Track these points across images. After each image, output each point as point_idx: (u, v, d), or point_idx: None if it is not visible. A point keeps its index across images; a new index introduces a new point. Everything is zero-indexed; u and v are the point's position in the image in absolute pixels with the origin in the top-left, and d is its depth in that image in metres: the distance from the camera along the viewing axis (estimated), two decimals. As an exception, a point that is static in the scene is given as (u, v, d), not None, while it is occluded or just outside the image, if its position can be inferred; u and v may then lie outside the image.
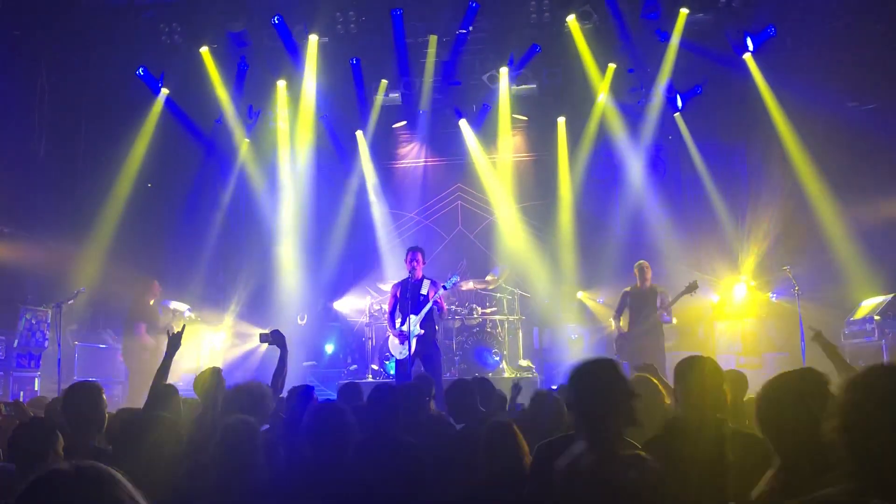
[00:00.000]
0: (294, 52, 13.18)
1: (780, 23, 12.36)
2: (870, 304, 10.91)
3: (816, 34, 12.19)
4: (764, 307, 12.44)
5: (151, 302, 11.90)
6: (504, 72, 13.47)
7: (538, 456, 3.73)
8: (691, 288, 10.68)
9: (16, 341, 11.33)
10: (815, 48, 12.32)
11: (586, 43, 12.88)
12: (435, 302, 9.72)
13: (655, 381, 5.08)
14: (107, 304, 13.02)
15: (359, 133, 14.73)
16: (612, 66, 13.25)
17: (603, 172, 14.31)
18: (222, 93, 13.55)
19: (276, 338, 6.24)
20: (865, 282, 11.64)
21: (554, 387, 6.53)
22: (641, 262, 11.16)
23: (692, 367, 4.09)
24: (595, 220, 14.24)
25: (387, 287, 12.09)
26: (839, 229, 12.17)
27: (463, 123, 14.55)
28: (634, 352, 10.42)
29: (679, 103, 13.40)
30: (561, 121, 14.37)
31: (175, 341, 5.79)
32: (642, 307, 10.88)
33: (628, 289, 11.19)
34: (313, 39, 13.01)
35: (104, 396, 4.75)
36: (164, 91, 13.50)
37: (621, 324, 11.23)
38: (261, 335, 6.52)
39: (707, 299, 12.59)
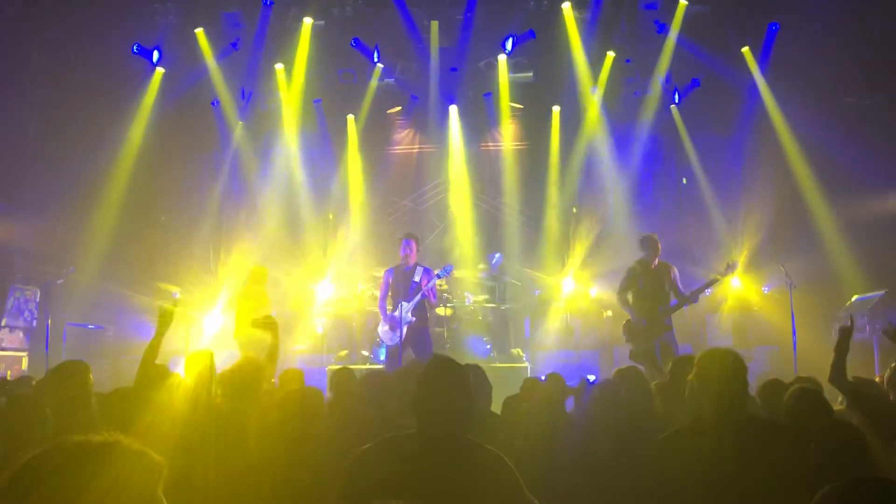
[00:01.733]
0: (288, 34, 13.09)
1: (778, 16, 12.35)
2: (860, 299, 10.93)
3: (814, 28, 12.17)
4: (756, 300, 12.45)
5: (264, 288, 11.80)
6: (502, 59, 13.42)
7: (357, 462, 3.21)
8: (730, 269, 9.63)
9: (3, 320, 11.28)
10: (812, 42, 12.30)
11: (583, 32, 12.85)
12: (424, 294, 9.69)
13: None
14: (97, 285, 12.92)
15: (350, 118, 14.65)
16: (610, 56, 13.20)
17: (597, 162, 14.27)
18: (216, 74, 13.45)
19: (268, 324, 6.16)
20: (857, 277, 11.66)
21: (542, 377, 6.48)
22: (653, 234, 9.78)
23: (716, 361, 3.99)
24: (588, 211, 14.22)
25: (379, 273, 12.06)
26: (832, 224, 12.19)
27: (456, 111, 14.51)
28: (655, 338, 9.23)
29: (676, 96, 13.39)
30: (556, 110, 14.34)
31: (165, 319, 5.66)
32: (655, 286, 9.49)
33: (635, 264, 9.64)
34: (308, 22, 12.90)
35: (91, 376, 4.69)
36: (159, 71, 13.39)
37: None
38: (253, 320, 6.42)
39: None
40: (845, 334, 5.24)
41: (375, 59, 13.48)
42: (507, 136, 14.96)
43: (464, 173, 14.82)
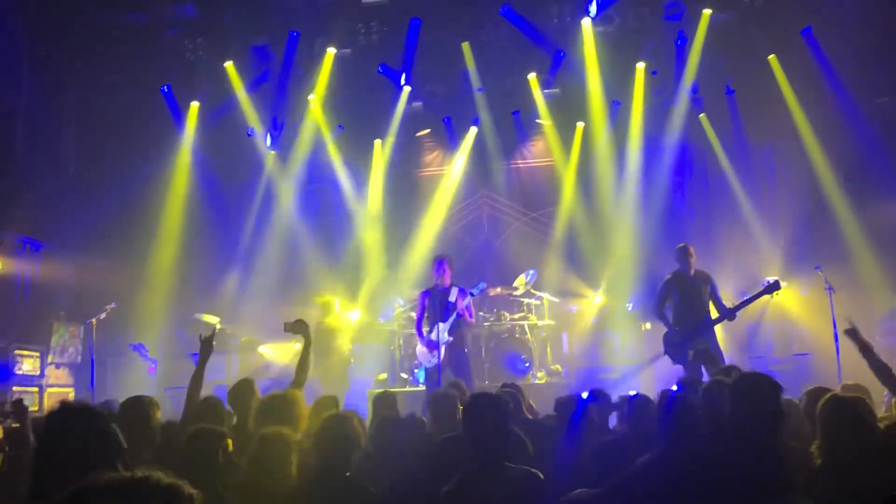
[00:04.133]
0: (316, 64, 13.21)
1: (806, 20, 12.26)
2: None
3: (843, 30, 12.05)
4: (794, 307, 12.29)
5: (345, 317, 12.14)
6: (532, 77, 13.48)
7: None
8: (772, 288, 9.01)
9: (50, 356, 11.49)
10: (841, 44, 12.19)
11: (608, 46, 12.84)
12: (460, 314, 9.71)
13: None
14: (140, 319, 13.14)
15: (377, 142, 14.79)
16: (640, 67, 13.19)
17: (628, 175, 14.21)
18: (248, 106, 13.64)
19: (299, 327, 6.19)
20: (891, 281, 11.52)
21: (584, 394, 6.39)
22: (687, 245, 9.61)
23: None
24: (621, 223, 14.16)
25: (414, 294, 12.12)
26: (866, 228, 12.04)
27: (475, 132, 14.65)
28: (699, 352, 8.99)
29: (704, 104, 13.34)
30: (580, 125, 14.34)
31: (206, 348, 5.78)
32: (692, 297, 9.31)
33: (670, 276, 9.49)
34: (331, 51, 13.02)
35: (158, 412, 4.84)
36: (194, 105, 13.65)
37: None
38: (285, 324, 6.45)
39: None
40: (855, 337, 5.27)
41: (403, 83, 13.57)
42: (537, 152, 15.06)
43: (501, 191, 14.96)
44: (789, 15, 12.32)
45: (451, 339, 9.69)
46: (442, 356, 9.59)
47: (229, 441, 4.05)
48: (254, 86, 13.51)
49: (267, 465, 4.07)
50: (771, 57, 12.73)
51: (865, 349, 5.24)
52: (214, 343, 5.85)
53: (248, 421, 5.40)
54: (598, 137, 14.12)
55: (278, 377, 11.90)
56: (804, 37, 12.31)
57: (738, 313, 9.34)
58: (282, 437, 4.16)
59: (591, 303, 13.64)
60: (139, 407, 4.83)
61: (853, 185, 12.28)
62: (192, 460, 3.88)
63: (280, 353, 13.18)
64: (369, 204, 14.99)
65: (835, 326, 9.44)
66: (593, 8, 12.01)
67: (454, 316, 9.69)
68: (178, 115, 13.67)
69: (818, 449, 4.02)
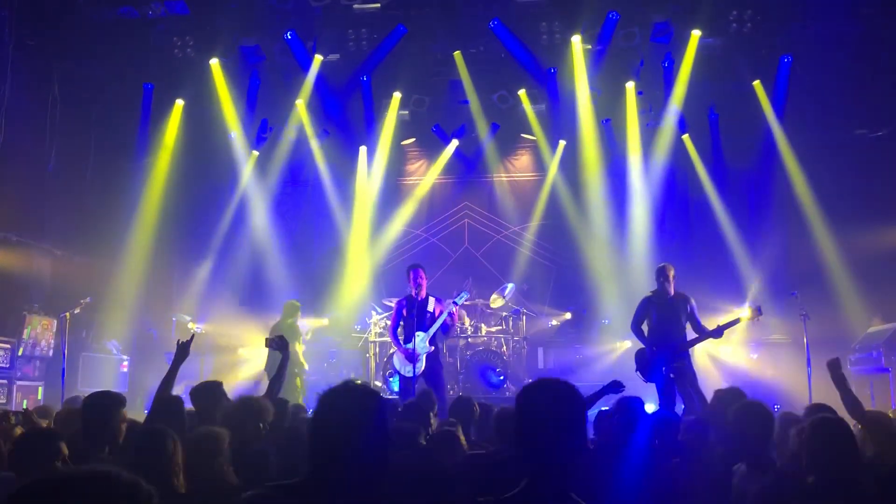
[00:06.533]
0: (305, 68, 13.19)
1: (790, 49, 12.38)
2: (875, 331, 10.86)
3: (825, 60, 12.19)
4: (771, 332, 12.34)
5: (295, 321, 11.96)
6: (523, 92, 13.54)
7: None
8: (757, 314, 9.19)
9: (21, 349, 11.34)
10: (824, 74, 12.32)
11: (597, 64, 12.89)
12: (446, 324, 9.65)
13: None
14: (114, 315, 13.03)
15: (362, 149, 14.79)
16: (630, 87, 13.25)
17: (612, 194, 14.28)
18: (230, 107, 13.59)
19: (279, 344, 6.31)
20: (870, 309, 11.59)
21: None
22: (667, 264, 9.53)
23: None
24: (603, 242, 14.21)
25: (391, 302, 12.07)
26: (844, 256, 12.14)
27: (455, 144, 14.74)
28: (673, 369, 8.97)
29: (688, 126, 13.42)
30: (562, 142, 14.40)
31: (183, 350, 5.78)
32: (670, 317, 9.23)
33: (649, 294, 9.46)
34: (319, 58, 13.00)
35: (123, 409, 4.77)
36: (179, 104, 13.61)
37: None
38: (266, 340, 6.70)
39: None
40: (835, 368, 5.43)
41: (383, 101, 13.65)
42: (521, 167, 15.12)
43: (483, 203, 15.11)
44: (775, 43, 12.44)
45: (432, 348, 9.62)
46: (422, 366, 9.51)
47: (175, 442, 4.00)
48: (243, 87, 13.47)
49: (196, 464, 4.02)
50: (756, 83, 12.83)
51: (840, 382, 5.38)
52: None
53: (212, 421, 5.36)
54: (583, 154, 14.17)
55: (250, 381, 11.89)
56: (781, 65, 12.44)
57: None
58: (213, 437, 4.11)
59: (568, 317, 13.66)
60: (102, 403, 4.76)
61: (831, 213, 12.38)
62: (141, 458, 3.87)
63: (257, 358, 13.09)
64: (352, 210, 14.97)
65: (808, 352, 9.48)
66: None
67: (438, 324, 9.60)
68: (147, 115, 13.64)
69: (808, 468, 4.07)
